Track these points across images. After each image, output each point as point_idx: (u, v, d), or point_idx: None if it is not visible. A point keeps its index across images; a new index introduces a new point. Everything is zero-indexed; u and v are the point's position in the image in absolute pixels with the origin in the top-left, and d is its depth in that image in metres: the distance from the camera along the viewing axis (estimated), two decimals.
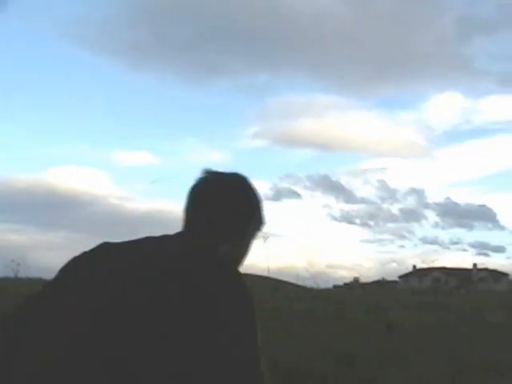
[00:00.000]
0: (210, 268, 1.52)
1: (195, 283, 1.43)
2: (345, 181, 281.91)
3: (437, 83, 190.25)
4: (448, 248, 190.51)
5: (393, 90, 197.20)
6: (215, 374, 1.33)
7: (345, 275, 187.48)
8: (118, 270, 1.47)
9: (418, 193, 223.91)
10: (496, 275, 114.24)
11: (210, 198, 1.75)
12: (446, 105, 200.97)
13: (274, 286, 35.37)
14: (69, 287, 1.46)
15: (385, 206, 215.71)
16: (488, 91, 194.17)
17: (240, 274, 1.60)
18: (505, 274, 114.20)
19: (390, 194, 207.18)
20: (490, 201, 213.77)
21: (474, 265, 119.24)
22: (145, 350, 1.29)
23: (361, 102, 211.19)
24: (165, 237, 1.65)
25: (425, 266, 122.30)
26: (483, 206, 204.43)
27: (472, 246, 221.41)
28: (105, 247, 1.60)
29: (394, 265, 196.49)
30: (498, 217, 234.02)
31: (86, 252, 1.59)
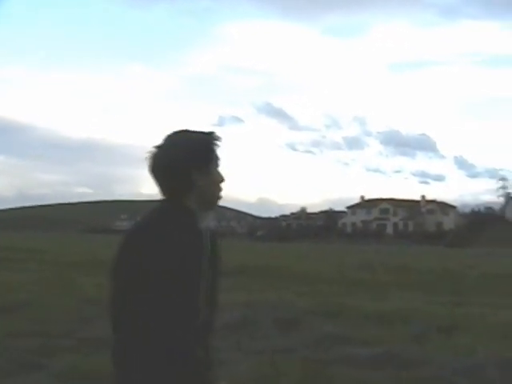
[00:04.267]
0: (168, 220, 2.17)
1: (156, 233, 2.12)
2: (289, 108, 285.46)
3: (383, 12, 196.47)
4: (391, 177, 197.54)
5: (339, 18, 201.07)
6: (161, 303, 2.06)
7: (291, 204, 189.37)
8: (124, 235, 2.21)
9: (361, 121, 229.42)
10: (444, 207, 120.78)
11: (161, 156, 2.20)
12: (392, 34, 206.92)
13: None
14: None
15: (328, 133, 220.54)
16: (433, 23, 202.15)
17: (192, 220, 2.19)
18: (452, 207, 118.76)
19: (334, 122, 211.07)
20: (430, 130, 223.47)
21: (423, 196, 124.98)
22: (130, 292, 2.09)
23: (306, 28, 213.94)
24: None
25: (373, 196, 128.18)
26: (423, 134, 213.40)
27: (414, 174, 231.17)
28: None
29: (341, 194, 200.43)
30: (438, 146, 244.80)
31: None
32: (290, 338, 8.61)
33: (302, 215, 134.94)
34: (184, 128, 2.26)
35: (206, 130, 2.25)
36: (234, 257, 24.01)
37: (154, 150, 2.21)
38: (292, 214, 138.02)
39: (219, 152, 2.24)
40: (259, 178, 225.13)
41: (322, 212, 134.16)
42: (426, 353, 7.50)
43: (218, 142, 2.25)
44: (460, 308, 12.63)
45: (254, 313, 10.01)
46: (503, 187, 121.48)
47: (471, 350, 7.54)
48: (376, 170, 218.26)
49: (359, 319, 10.20)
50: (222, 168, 2.23)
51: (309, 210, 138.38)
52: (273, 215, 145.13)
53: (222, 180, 2.27)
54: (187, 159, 2.17)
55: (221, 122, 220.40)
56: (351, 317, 10.43)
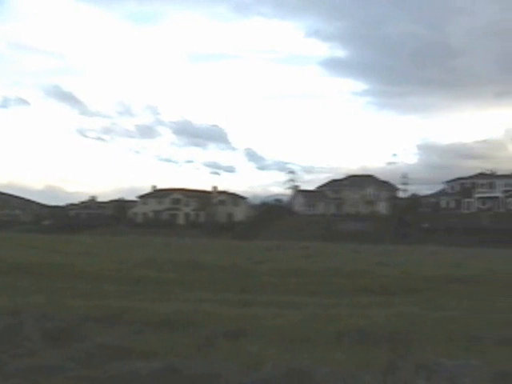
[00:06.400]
0: None
1: None
2: (79, 93, 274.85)
3: (181, 2, 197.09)
4: (183, 167, 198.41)
5: (138, 5, 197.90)
6: None
7: (80, 192, 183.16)
8: None
9: (154, 110, 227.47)
10: (235, 198, 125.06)
11: None
12: (188, 25, 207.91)
13: None
14: None
15: (121, 120, 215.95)
16: (225, 18, 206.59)
17: None
18: (243, 198, 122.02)
19: (126, 109, 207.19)
20: (223, 122, 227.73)
21: (214, 187, 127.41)
22: None
23: (104, 12, 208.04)
24: None
25: (165, 186, 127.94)
26: (216, 126, 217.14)
27: (206, 165, 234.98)
28: None
29: (133, 183, 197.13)
30: (230, 138, 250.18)
31: None
32: (59, 352, 7.67)
33: (92, 204, 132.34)
34: None
35: None
36: (7, 252, 22.34)
37: None
38: (81, 202, 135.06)
39: None
40: (47, 165, 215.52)
41: (112, 201, 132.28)
42: (211, 365, 7.05)
43: None
44: (248, 308, 12.50)
45: (18, 322, 8.94)
46: (291, 180, 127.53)
47: (260, 360, 7.25)
48: (168, 160, 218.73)
49: (140, 325, 9.52)
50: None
51: (99, 199, 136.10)
52: (61, 203, 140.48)
53: None
54: None
55: (4, 104, 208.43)
56: (132, 323, 9.72)
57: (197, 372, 6.77)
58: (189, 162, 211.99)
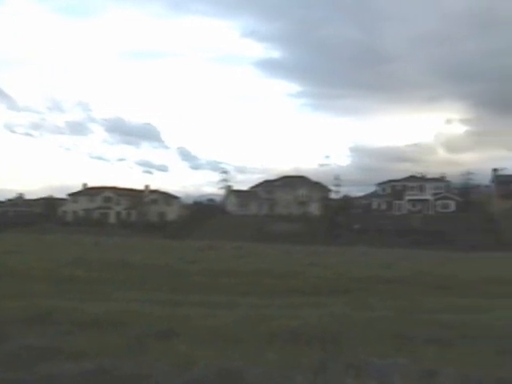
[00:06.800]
0: None
1: None
2: (7, 86, 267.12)
3: None
4: (115, 165, 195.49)
5: None
6: None
7: (7, 189, 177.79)
8: None
9: (85, 106, 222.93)
10: (167, 198, 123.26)
11: None
12: (123, 22, 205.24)
13: None
14: None
15: (51, 116, 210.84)
16: (161, 15, 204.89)
17: None
18: (176, 197, 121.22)
19: (57, 105, 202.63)
20: (156, 120, 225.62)
21: (146, 186, 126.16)
22: None
23: (36, 3, 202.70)
24: None
25: (96, 184, 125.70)
26: (148, 124, 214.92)
27: (138, 163, 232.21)
28: None
29: (63, 181, 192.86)
30: (163, 136, 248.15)
31: None
32: None
33: (20, 202, 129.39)
34: None
35: None
36: None
37: None
38: (9, 200, 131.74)
39: None
40: None
41: (41, 199, 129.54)
42: (142, 366, 6.99)
43: None
44: (179, 308, 12.45)
45: None
46: (224, 180, 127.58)
47: (191, 360, 7.23)
48: (100, 158, 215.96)
49: (69, 325, 9.37)
50: None
51: (27, 197, 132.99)
52: None
53: None
54: None
55: None
56: (60, 323, 9.56)
57: (127, 373, 6.71)
58: (121, 160, 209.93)
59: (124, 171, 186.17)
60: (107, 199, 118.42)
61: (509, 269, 30.92)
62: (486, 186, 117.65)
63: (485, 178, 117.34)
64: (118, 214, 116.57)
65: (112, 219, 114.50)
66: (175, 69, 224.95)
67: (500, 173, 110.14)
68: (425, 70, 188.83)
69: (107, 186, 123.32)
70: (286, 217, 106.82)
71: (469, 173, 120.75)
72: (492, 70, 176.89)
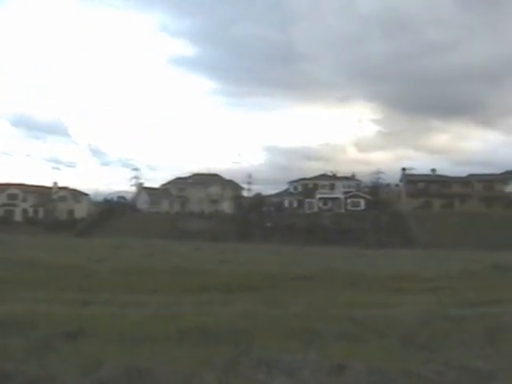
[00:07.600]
0: None
1: None
2: None
3: None
4: (21, 161, 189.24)
5: None
6: None
7: None
8: None
9: None
10: (76, 195, 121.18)
11: None
12: (32, 12, 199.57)
13: None
14: None
15: None
16: (73, 8, 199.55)
17: None
18: (85, 194, 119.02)
19: None
20: (64, 115, 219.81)
21: (55, 183, 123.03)
22: None
23: None
24: None
25: (1, 181, 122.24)
26: (57, 119, 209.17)
27: (46, 159, 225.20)
28: None
29: None
30: (71, 132, 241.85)
31: None
32: None
33: None
34: None
35: None
36: None
37: None
38: None
39: None
40: None
41: None
42: (48, 368, 6.79)
43: None
44: (87, 308, 12.21)
45: None
46: (135, 177, 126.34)
47: (99, 360, 7.08)
48: (5, 153, 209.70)
49: None
50: None
51: None
52: None
53: None
54: None
55: None
56: None
57: (31, 376, 6.50)
58: (27, 155, 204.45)
59: (31, 167, 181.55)
60: (12, 196, 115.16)
61: (414, 265, 31.90)
62: (396, 185, 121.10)
63: (394, 177, 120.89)
64: (24, 211, 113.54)
65: (18, 217, 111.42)
66: (86, 63, 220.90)
67: (408, 172, 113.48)
68: (338, 70, 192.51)
69: (13, 183, 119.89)
70: (197, 214, 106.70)
71: (379, 172, 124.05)
72: (401, 72, 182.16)
